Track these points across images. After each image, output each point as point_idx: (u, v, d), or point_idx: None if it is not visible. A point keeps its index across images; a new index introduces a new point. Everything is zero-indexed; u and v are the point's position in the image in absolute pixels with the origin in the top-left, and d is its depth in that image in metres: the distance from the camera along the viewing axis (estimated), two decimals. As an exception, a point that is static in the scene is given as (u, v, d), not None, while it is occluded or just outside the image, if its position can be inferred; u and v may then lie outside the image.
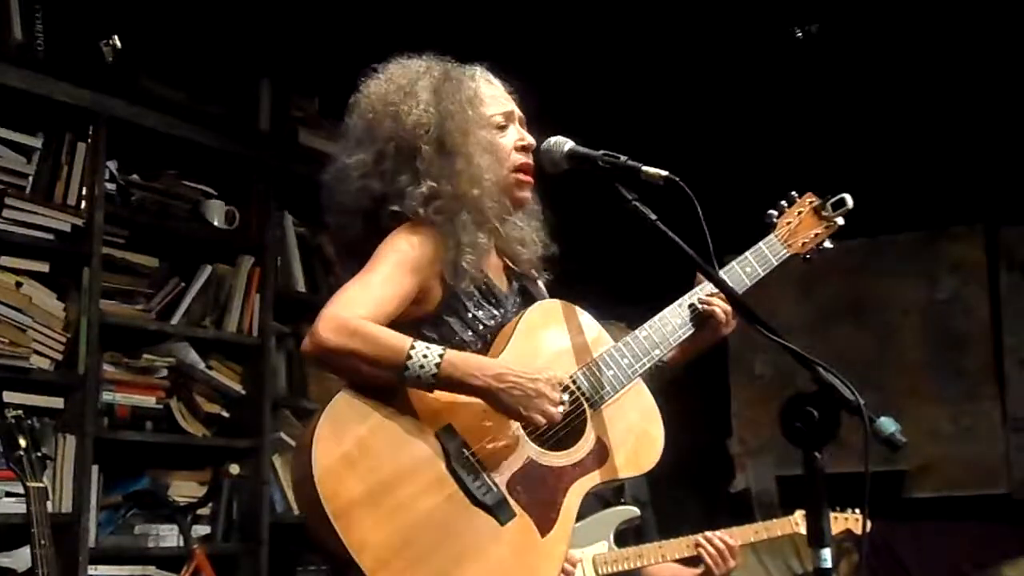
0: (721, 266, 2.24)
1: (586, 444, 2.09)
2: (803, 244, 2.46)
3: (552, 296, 2.27)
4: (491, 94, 2.20)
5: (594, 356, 2.15)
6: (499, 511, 1.96)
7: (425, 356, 1.93)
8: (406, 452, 1.94)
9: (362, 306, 1.98)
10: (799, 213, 2.48)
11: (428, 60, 2.18)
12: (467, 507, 1.94)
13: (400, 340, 1.95)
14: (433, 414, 1.98)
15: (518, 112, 2.24)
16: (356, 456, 1.90)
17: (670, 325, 2.25)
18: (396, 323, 2.00)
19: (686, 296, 2.30)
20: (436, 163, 2.08)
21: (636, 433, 2.17)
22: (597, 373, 2.13)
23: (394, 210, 2.08)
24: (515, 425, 2.03)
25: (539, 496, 2.01)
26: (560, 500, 2.04)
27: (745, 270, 2.35)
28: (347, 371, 1.98)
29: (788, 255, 2.42)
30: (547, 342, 2.14)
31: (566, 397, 2.03)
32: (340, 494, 1.86)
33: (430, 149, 2.08)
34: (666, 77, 4.82)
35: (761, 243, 2.42)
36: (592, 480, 2.09)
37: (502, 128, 2.19)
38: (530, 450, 2.04)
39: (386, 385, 1.96)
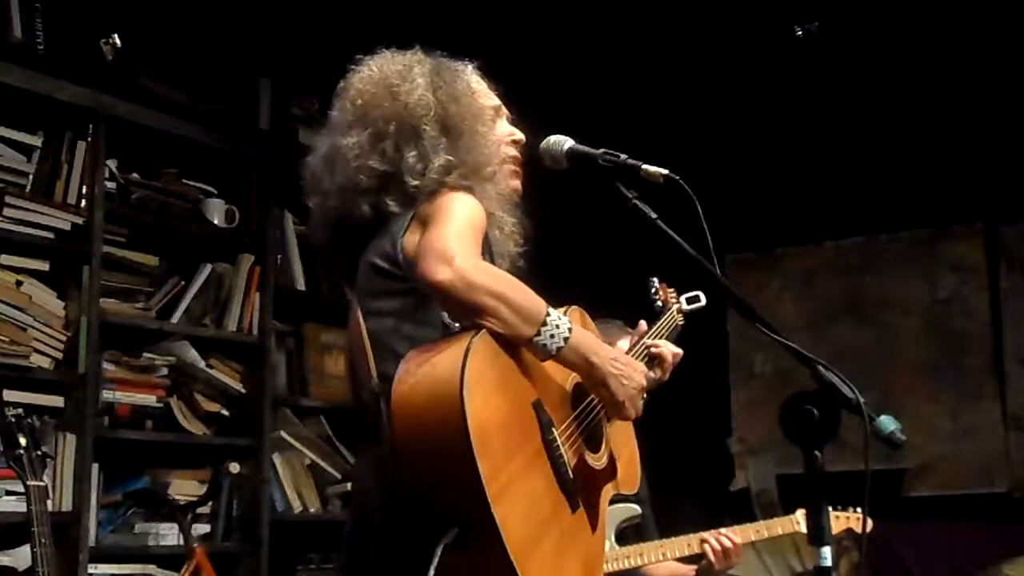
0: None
1: (605, 452, 2.11)
2: (682, 320, 2.68)
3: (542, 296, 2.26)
4: (481, 88, 2.20)
5: None
6: (571, 499, 1.93)
7: (560, 320, 1.87)
8: (522, 416, 1.86)
9: (476, 254, 1.87)
10: (668, 292, 2.75)
11: (416, 53, 2.16)
12: (555, 486, 1.89)
13: (539, 298, 1.88)
14: (530, 384, 1.90)
15: (504, 109, 2.25)
16: (496, 415, 1.77)
17: (642, 360, 2.33)
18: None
19: (638, 342, 2.43)
20: (443, 141, 2.05)
21: (629, 452, 2.22)
22: None
23: (413, 183, 2.01)
24: (578, 419, 2.02)
25: (589, 493, 2.01)
26: (598, 500, 2.04)
27: (663, 336, 2.53)
28: (483, 315, 1.80)
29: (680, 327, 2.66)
30: None
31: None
32: (491, 453, 1.72)
33: (432, 130, 2.04)
34: (666, 76, 4.82)
35: (666, 316, 2.62)
36: (614, 488, 2.12)
37: (494, 121, 2.19)
38: (581, 447, 2.03)
39: (504, 341, 1.84)
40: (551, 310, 1.87)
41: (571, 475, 1.93)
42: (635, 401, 1.99)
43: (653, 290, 2.73)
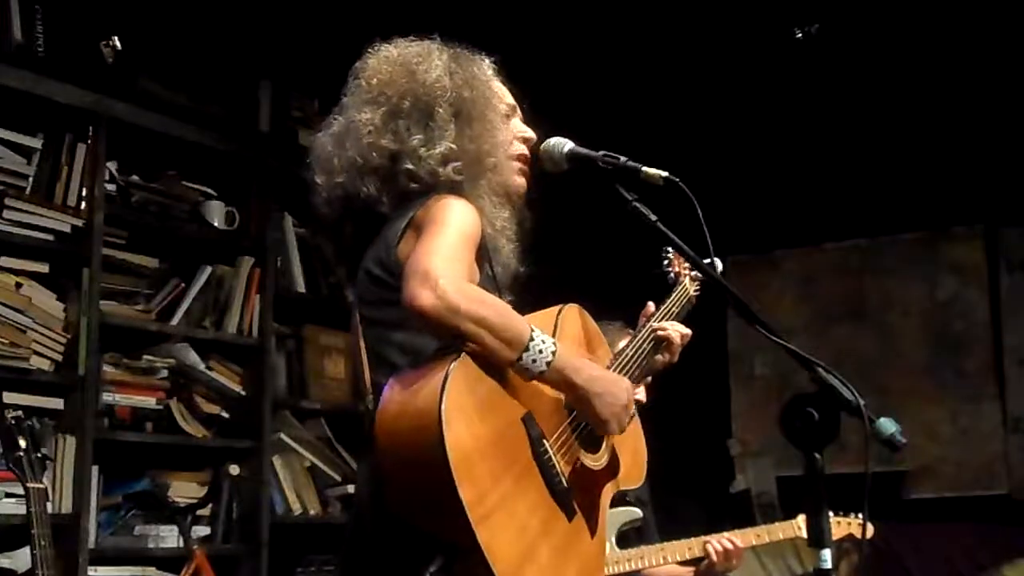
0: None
1: (606, 451, 2.10)
2: (695, 291, 2.57)
3: (540, 299, 2.25)
4: (498, 84, 2.21)
5: (608, 366, 2.17)
6: (567, 508, 1.93)
7: (544, 343, 1.85)
8: (509, 435, 1.85)
9: (463, 274, 1.85)
10: (682, 263, 2.60)
11: (435, 40, 2.17)
12: (548, 499, 1.89)
13: (523, 320, 1.88)
14: (518, 398, 1.90)
15: (517, 108, 2.25)
16: (479, 440, 1.77)
17: (644, 347, 2.31)
18: None
19: (646, 324, 2.37)
20: (452, 126, 2.05)
21: (633, 446, 2.20)
22: None
23: (409, 168, 2.02)
24: (572, 424, 2.01)
25: (587, 497, 2.01)
26: (598, 503, 2.04)
27: (674, 311, 2.46)
28: (466, 338, 1.80)
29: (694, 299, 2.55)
30: (576, 347, 2.12)
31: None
32: (474, 479, 1.72)
33: (445, 112, 2.05)
34: (666, 77, 4.82)
35: (678, 289, 2.52)
36: (615, 486, 2.11)
37: (507, 116, 2.20)
38: (578, 451, 2.02)
39: (487, 361, 1.84)
40: (535, 333, 1.85)
41: (565, 484, 1.93)
42: (620, 418, 1.97)
43: (666, 261, 2.60)
